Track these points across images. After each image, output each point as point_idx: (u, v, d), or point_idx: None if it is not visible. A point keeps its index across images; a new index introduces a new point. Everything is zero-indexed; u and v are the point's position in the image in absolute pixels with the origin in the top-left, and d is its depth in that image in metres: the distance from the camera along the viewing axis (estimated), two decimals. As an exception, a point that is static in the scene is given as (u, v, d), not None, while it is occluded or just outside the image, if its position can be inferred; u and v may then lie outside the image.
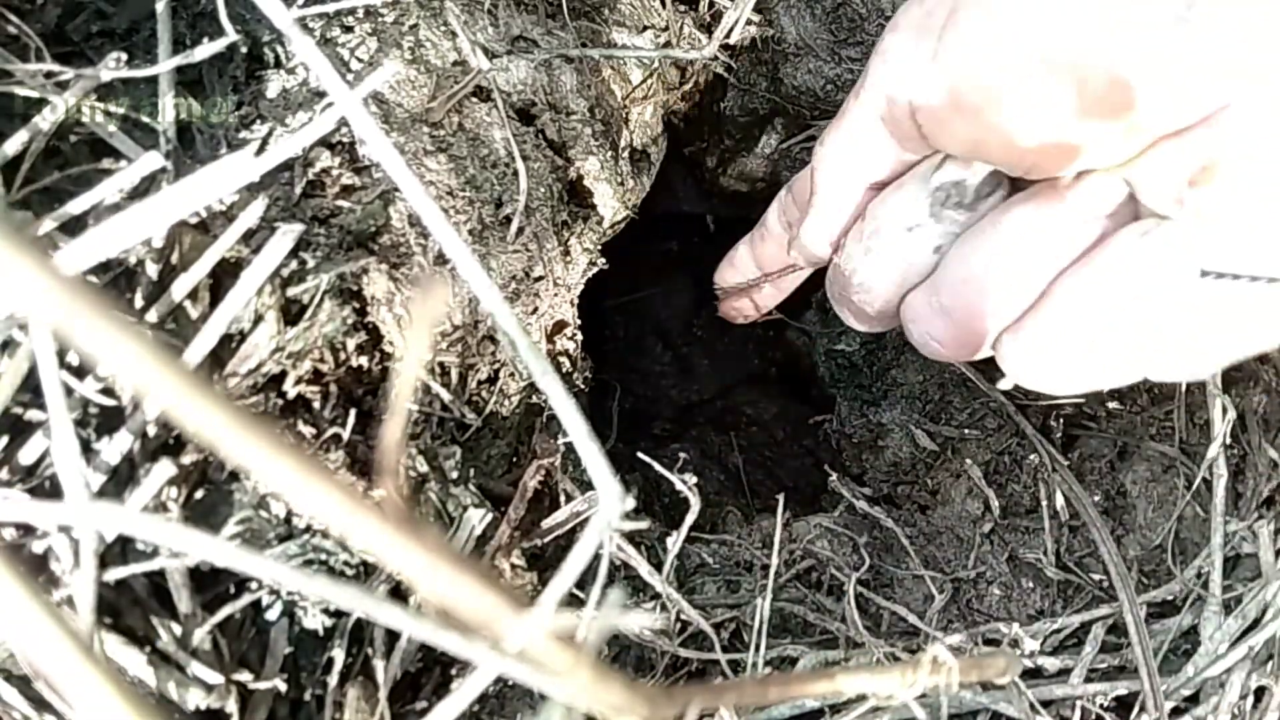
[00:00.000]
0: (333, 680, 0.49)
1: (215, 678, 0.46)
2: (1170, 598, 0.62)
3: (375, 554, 0.16)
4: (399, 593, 0.52)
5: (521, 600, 0.17)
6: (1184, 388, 0.67)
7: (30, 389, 0.47)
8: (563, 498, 0.59)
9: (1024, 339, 0.44)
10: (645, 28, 0.77)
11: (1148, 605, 0.62)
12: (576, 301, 0.73)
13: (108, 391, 0.48)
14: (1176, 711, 0.57)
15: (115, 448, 0.47)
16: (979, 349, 0.47)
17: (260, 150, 0.52)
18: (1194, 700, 0.58)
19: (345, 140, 0.57)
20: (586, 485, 0.61)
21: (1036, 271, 0.43)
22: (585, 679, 0.17)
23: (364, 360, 0.55)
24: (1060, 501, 0.67)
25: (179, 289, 0.50)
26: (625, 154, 0.77)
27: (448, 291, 0.58)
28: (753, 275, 0.70)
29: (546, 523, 0.58)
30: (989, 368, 0.78)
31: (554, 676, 0.18)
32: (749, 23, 0.81)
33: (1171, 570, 0.63)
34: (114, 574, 0.46)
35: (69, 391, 0.47)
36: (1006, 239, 0.43)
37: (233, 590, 0.49)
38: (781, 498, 0.63)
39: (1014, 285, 0.44)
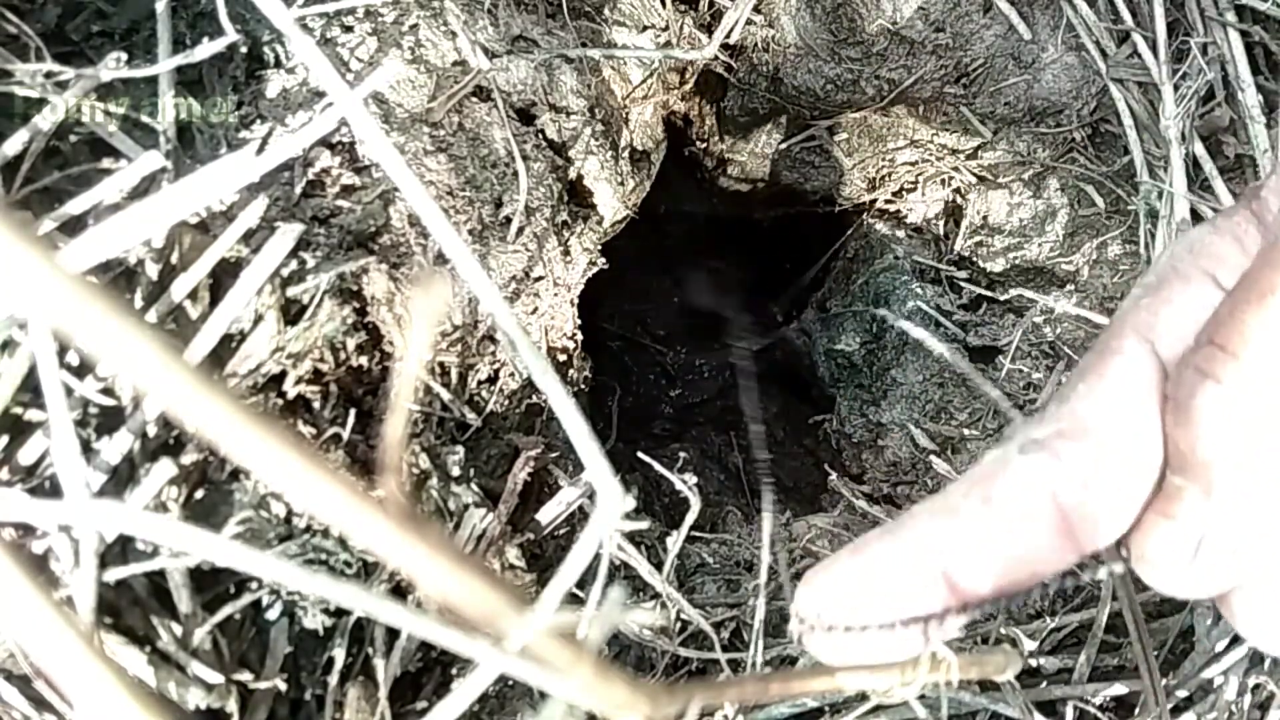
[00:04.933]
0: (333, 680, 0.49)
1: (215, 677, 0.46)
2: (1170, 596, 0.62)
3: (377, 550, 0.16)
4: (399, 591, 0.52)
5: (523, 598, 0.17)
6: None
7: (30, 389, 0.47)
8: (560, 491, 0.59)
9: None
10: (645, 28, 0.77)
11: (1147, 604, 0.62)
12: (576, 301, 0.73)
13: (108, 391, 0.48)
14: (1175, 710, 0.57)
15: (115, 448, 0.47)
16: None
17: (260, 150, 0.53)
18: (1192, 700, 0.58)
19: (345, 140, 0.57)
20: (577, 473, 0.61)
21: None
22: (587, 676, 0.17)
23: (364, 360, 0.55)
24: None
25: (179, 289, 0.50)
26: (625, 154, 0.77)
27: (448, 288, 0.58)
28: (886, 604, 0.30)
29: (541, 516, 0.58)
30: (987, 366, 0.78)
31: (556, 674, 0.18)
32: (749, 22, 0.81)
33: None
34: (114, 574, 0.46)
35: (69, 391, 0.47)
36: None
37: (233, 590, 0.49)
38: (777, 497, 0.63)
39: None
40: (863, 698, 0.54)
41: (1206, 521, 0.29)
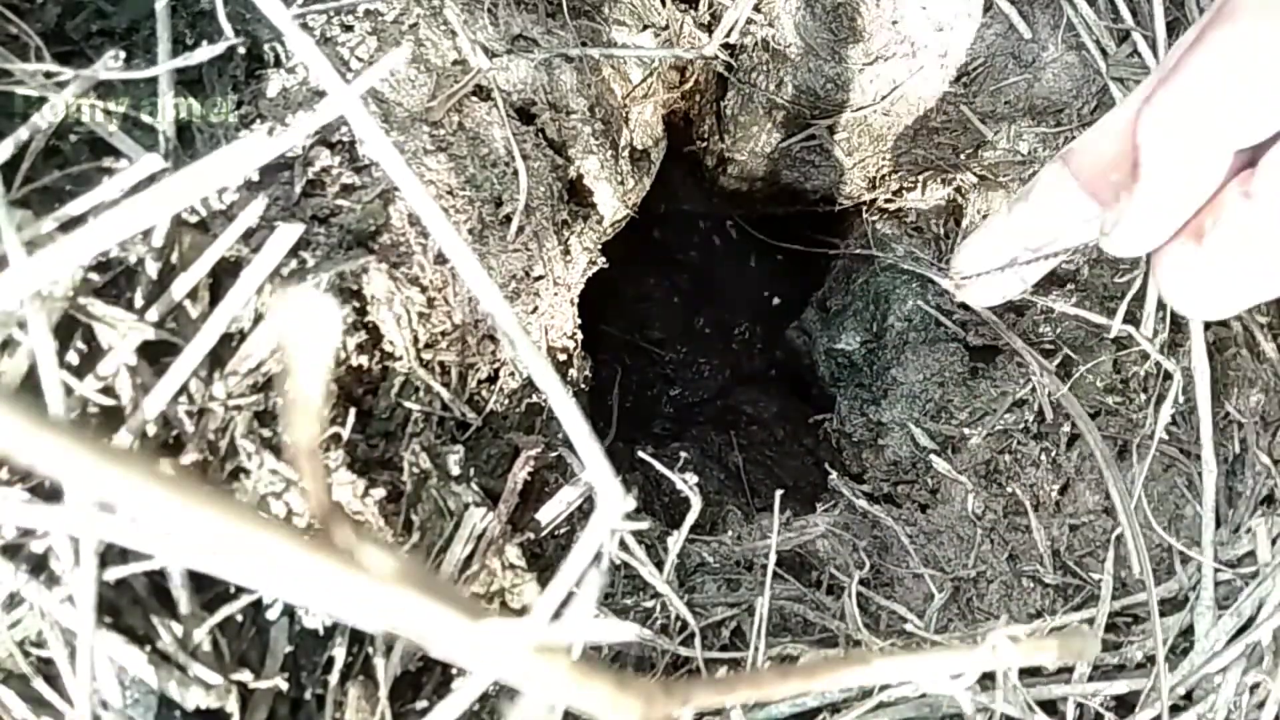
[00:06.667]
0: (333, 679, 0.49)
1: (215, 678, 0.46)
2: (1170, 595, 0.62)
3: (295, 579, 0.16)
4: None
5: (475, 611, 0.17)
6: (1181, 388, 0.67)
7: (30, 389, 0.47)
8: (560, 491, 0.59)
9: None
10: (645, 27, 0.77)
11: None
12: (577, 300, 0.73)
13: (108, 391, 0.48)
14: (1174, 709, 0.57)
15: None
16: None
17: (271, 133, 0.52)
18: (1192, 698, 0.58)
19: (345, 139, 0.57)
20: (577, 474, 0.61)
21: None
22: (568, 676, 0.17)
23: (364, 360, 0.55)
24: (1055, 496, 0.67)
25: (179, 288, 0.50)
26: (625, 153, 0.77)
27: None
28: (1036, 239, 0.55)
29: (541, 516, 0.58)
30: (987, 366, 0.78)
31: (537, 674, 0.17)
32: (749, 22, 0.81)
33: (1172, 568, 0.63)
34: (114, 574, 0.46)
35: (69, 391, 0.47)
36: None
37: (233, 590, 0.49)
38: (779, 495, 0.63)
39: None
40: (864, 696, 0.54)
41: (1138, 199, 0.41)
